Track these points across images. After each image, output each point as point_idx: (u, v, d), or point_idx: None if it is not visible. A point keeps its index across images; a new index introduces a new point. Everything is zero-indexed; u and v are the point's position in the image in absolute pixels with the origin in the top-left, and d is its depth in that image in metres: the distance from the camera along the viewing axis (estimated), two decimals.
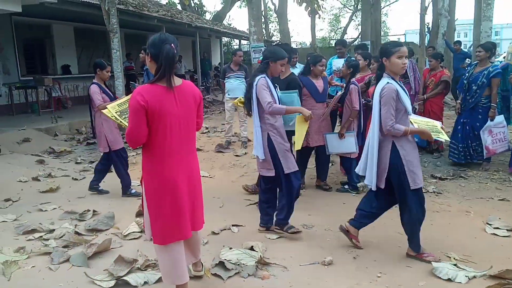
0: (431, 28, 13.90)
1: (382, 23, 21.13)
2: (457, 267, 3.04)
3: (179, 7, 23.07)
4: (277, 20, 23.17)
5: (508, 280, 2.80)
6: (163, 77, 2.42)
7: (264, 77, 3.63)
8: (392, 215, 4.28)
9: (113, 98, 4.95)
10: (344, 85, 5.17)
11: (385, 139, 3.13)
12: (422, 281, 2.92)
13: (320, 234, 3.79)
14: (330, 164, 5.55)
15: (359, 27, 24.80)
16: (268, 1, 27.61)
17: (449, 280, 2.91)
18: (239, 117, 7.67)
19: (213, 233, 3.81)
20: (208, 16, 26.60)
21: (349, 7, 33.15)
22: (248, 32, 13.05)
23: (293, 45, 24.70)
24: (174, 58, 2.45)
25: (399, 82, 3.12)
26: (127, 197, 5.01)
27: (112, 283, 2.91)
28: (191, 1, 23.73)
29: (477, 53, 5.79)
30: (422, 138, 3.15)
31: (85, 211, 4.37)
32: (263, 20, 19.99)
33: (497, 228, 3.81)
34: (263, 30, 19.85)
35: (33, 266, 3.20)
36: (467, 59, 10.54)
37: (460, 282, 2.88)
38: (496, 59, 6.22)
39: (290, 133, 3.95)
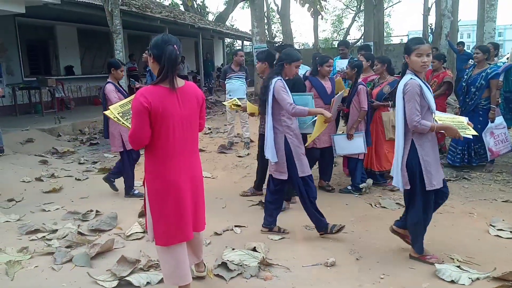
0: (434, 29, 13.89)
1: (385, 24, 21.13)
2: (461, 268, 3.03)
3: (182, 8, 23.11)
4: (279, 21, 23.20)
5: None
6: (166, 78, 2.42)
7: (281, 79, 3.62)
8: (395, 216, 4.27)
9: (127, 97, 4.98)
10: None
11: (405, 138, 3.08)
12: (425, 283, 2.91)
13: (322, 235, 3.78)
14: (333, 165, 5.54)
15: (362, 28, 24.77)
16: (271, 2, 27.73)
17: (452, 282, 2.89)
18: (240, 118, 7.66)
19: (216, 233, 3.81)
20: (210, 17, 26.66)
21: (352, 8, 33.15)
22: (250, 33, 13.08)
23: (296, 46, 24.72)
24: (177, 59, 2.45)
25: (423, 80, 3.05)
26: (129, 197, 5.01)
27: (115, 283, 2.91)
28: (194, 2, 23.77)
29: (475, 55, 5.79)
30: (449, 135, 3.04)
31: (88, 211, 4.38)
32: (265, 21, 20.02)
33: (501, 229, 3.79)
34: (266, 31, 19.87)
35: (36, 266, 3.21)
36: (470, 60, 10.52)
37: (464, 284, 2.86)
38: (499, 60, 6.21)
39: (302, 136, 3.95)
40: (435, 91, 6.48)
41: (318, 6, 15.31)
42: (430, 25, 16.85)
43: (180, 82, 2.50)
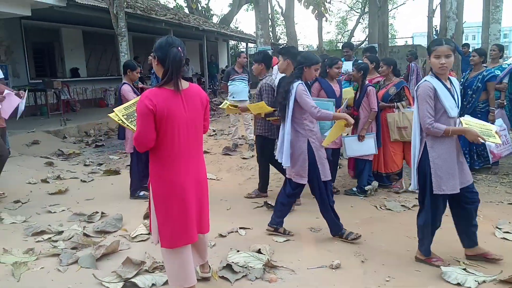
0: (439, 30, 13.85)
1: (389, 26, 21.10)
2: (467, 271, 3.01)
3: (186, 10, 23.22)
4: (284, 23, 23.18)
5: None
6: (170, 81, 2.42)
7: (302, 83, 3.60)
8: (400, 219, 4.27)
9: None
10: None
11: (420, 140, 3.06)
12: (431, 286, 2.89)
13: (328, 238, 3.78)
14: (337, 167, 5.53)
15: (366, 30, 24.76)
16: (275, 4, 27.70)
17: (458, 284, 2.88)
18: (243, 120, 7.66)
19: (221, 235, 3.81)
20: (215, 20, 26.72)
21: (356, 10, 33.11)
22: (255, 35, 13.09)
23: (300, 48, 24.72)
24: (181, 62, 2.45)
25: (443, 82, 2.98)
26: (135, 199, 5.02)
27: (120, 285, 2.91)
28: (198, 5, 23.85)
29: (471, 57, 5.79)
30: (468, 138, 2.96)
31: (93, 213, 4.39)
32: (270, 23, 20.03)
33: (507, 232, 3.77)
34: (270, 33, 19.89)
35: (42, 268, 3.22)
36: None
37: (470, 287, 2.84)
38: (504, 62, 6.18)
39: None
40: None
41: (322, 8, 15.33)
42: (435, 27, 16.82)
43: (184, 84, 2.50)
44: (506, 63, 5.98)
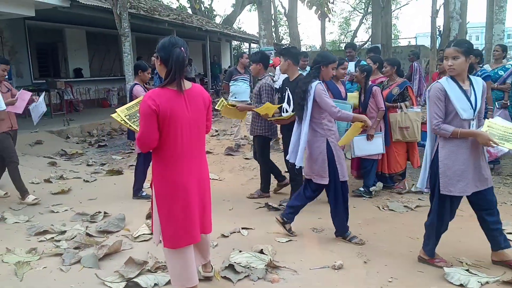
0: (442, 31, 13.80)
1: (392, 26, 21.06)
2: (470, 272, 3.00)
3: (189, 11, 23.22)
4: (287, 23, 23.21)
5: None
6: (173, 81, 2.42)
7: (320, 82, 3.58)
8: (403, 219, 4.25)
9: None
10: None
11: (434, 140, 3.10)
12: (433, 286, 2.88)
13: (330, 238, 3.77)
14: None
15: (369, 30, 24.69)
16: (278, 4, 27.74)
17: (461, 285, 2.87)
18: (245, 120, 7.66)
19: (223, 236, 3.81)
20: (218, 20, 26.73)
21: (359, 10, 33.04)
22: (258, 35, 13.09)
23: (303, 49, 24.72)
24: (184, 62, 2.44)
25: (459, 83, 2.96)
26: (137, 199, 5.03)
27: (123, 284, 2.92)
28: (202, 5, 23.87)
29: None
30: (480, 142, 2.90)
31: (96, 213, 4.40)
32: (273, 23, 20.03)
33: (510, 233, 3.75)
34: (273, 33, 19.87)
35: (44, 267, 3.23)
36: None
37: None
38: (508, 62, 6.16)
39: None
40: None
41: (325, 8, 15.32)
42: (438, 27, 16.74)
43: (187, 85, 2.51)
44: (509, 64, 5.94)
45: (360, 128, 3.65)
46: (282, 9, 26.76)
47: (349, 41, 27.37)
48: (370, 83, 5.00)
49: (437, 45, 12.68)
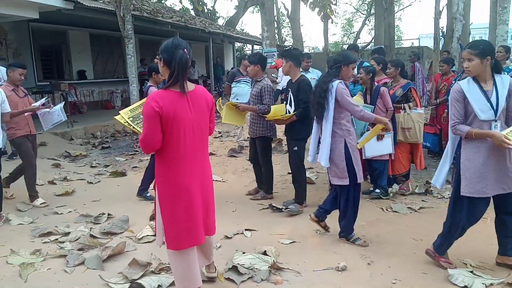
0: (445, 32, 13.77)
1: (395, 27, 21.02)
2: (474, 274, 2.99)
3: (192, 13, 23.27)
4: (289, 25, 23.19)
5: None
6: (176, 83, 2.42)
7: (341, 81, 3.56)
8: (406, 221, 4.24)
9: None
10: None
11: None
12: None
13: (334, 240, 3.77)
14: None
15: (372, 32, 24.67)
16: (281, 6, 27.67)
17: (465, 287, 2.86)
18: (248, 122, 7.65)
19: (226, 237, 3.81)
20: (221, 22, 26.76)
21: (362, 12, 32.99)
22: (260, 37, 13.10)
23: (306, 50, 24.72)
24: (187, 63, 2.45)
25: (480, 84, 2.95)
26: (141, 199, 5.04)
27: (126, 286, 2.93)
28: (204, 7, 23.93)
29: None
30: (495, 143, 2.84)
31: (100, 214, 4.41)
32: (275, 25, 20.02)
33: None
34: (276, 35, 19.87)
35: (49, 269, 3.24)
36: None
37: None
38: (511, 63, 6.13)
39: None
40: (445, 95, 6.44)
41: (328, 10, 15.30)
42: (442, 28, 16.71)
43: (190, 86, 2.51)
44: None
45: (379, 131, 3.64)
46: (284, 11, 26.72)
47: (352, 42, 27.36)
48: (375, 84, 4.99)
49: (440, 46, 12.65)
